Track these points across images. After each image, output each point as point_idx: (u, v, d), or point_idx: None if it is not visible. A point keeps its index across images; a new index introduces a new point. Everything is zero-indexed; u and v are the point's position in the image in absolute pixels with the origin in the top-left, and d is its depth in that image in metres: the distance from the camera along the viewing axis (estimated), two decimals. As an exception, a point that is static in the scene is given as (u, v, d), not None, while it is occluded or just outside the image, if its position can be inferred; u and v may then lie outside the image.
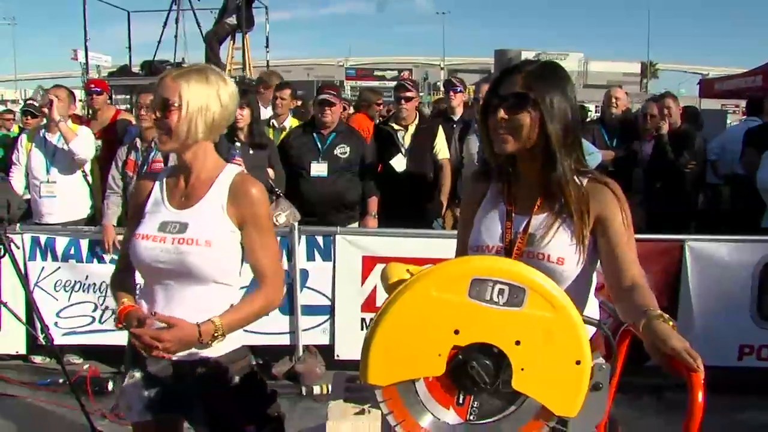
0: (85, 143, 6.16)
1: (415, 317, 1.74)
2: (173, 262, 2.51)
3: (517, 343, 1.78)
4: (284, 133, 6.90)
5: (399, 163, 6.69)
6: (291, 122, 7.32)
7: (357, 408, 1.83)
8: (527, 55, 63.07)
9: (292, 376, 5.80)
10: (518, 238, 2.40)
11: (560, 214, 2.38)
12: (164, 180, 2.68)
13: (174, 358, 2.50)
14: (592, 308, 2.56)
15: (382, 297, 5.77)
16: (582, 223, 2.35)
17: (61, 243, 5.88)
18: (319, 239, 5.85)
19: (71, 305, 5.89)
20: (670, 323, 1.95)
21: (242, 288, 2.66)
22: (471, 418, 1.86)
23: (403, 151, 6.72)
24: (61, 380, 5.33)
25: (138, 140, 5.79)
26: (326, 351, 5.92)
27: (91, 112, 7.41)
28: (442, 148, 6.84)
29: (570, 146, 2.37)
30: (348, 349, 5.77)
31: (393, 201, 6.58)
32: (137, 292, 2.75)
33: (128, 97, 10.37)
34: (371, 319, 1.81)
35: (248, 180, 2.63)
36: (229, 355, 2.61)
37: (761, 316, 5.84)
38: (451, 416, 1.85)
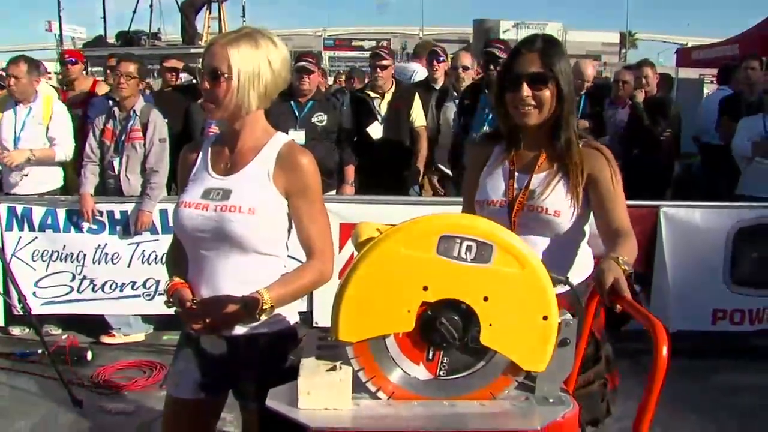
0: (67, 145, 6.11)
1: (384, 274, 1.77)
2: (215, 230, 2.40)
3: (485, 299, 1.81)
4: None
5: (375, 130, 6.70)
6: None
7: (328, 365, 1.85)
8: (506, 25, 62.84)
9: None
10: (520, 193, 2.73)
11: (558, 172, 2.72)
12: (209, 148, 2.57)
13: (228, 334, 2.42)
14: (585, 256, 2.86)
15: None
16: (577, 181, 2.68)
17: (38, 213, 5.83)
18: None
19: (49, 275, 5.85)
20: (623, 267, 2.21)
21: (290, 259, 2.56)
22: (441, 373, 1.90)
23: (379, 118, 6.72)
24: (39, 351, 5.31)
25: (116, 109, 5.74)
26: (304, 318, 5.94)
27: (67, 82, 7.32)
28: (418, 116, 6.85)
29: (573, 114, 2.74)
30: (326, 316, 5.61)
31: (370, 169, 6.60)
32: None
33: (103, 68, 10.27)
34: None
35: (298, 149, 2.52)
36: (283, 332, 2.50)
37: (734, 281, 5.92)
38: (421, 371, 1.89)
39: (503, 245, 1.79)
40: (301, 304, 5.93)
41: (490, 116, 6.02)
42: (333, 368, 1.84)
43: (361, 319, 1.79)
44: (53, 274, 5.86)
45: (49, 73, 10.81)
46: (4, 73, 7.31)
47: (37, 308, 5.50)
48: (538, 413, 1.87)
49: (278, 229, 2.47)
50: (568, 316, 1.94)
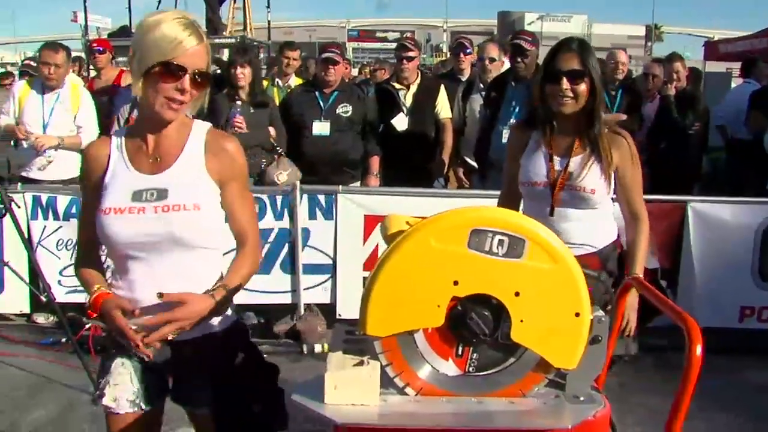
0: (93, 133, 6.12)
1: (414, 268, 1.73)
2: (160, 234, 2.24)
3: (517, 294, 1.77)
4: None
5: (401, 122, 6.66)
6: (295, 82, 7.28)
7: (356, 359, 1.82)
8: (530, 17, 62.59)
9: (294, 334, 5.82)
10: (560, 175, 3.22)
11: (591, 156, 3.22)
12: (122, 144, 2.34)
13: (171, 339, 2.24)
14: (610, 223, 3.38)
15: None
16: (608, 163, 3.20)
17: (63, 202, 5.84)
18: (321, 198, 5.82)
19: (73, 264, 5.86)
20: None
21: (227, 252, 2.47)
22: (470, 369, 1.86)
23: (404, 110, 6.69)
24: (63, 339, 5.35)
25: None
26: (327, 310, 5.92)
27: (94, 71, 7.35)
28: (443, 108, 6.80)
29: (602, 105, 3.24)
30: (349, 308, 5.77)
31: (394, 160, 6.56)
32: (108, 275, 2.43)
33: (128, 59, 10.27)
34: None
35: (223, 135, 2.45)
36: (229, 330, 2.42)
37: (762, 277, 5.85)
38: (449, 367, 1.86)
39: (536, 240, 1.75)
40: (323, 296, 5.94)
41: (517, 108, 5.98)
42: (360, 363, 1.80)
43: (390, 314, 1.75)
44: (78, 263, 5.88)
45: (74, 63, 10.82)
46: (32, 63, 7.34)
47: (61, 297, 5.51)
48: (569, 412, 1.83)
49: (218, 220, 2.39)
50: (600, 312, 1.89)
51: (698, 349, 1.79)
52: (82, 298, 5.78)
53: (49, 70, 5.95)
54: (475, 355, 1.85)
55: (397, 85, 6.76)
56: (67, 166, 6.10)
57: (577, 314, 1.81)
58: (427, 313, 1.76)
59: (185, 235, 2.26)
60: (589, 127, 3.21)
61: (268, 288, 5.73)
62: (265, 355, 4.94)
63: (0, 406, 4.64)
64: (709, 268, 5.80)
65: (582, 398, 1.90)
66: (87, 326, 5.55)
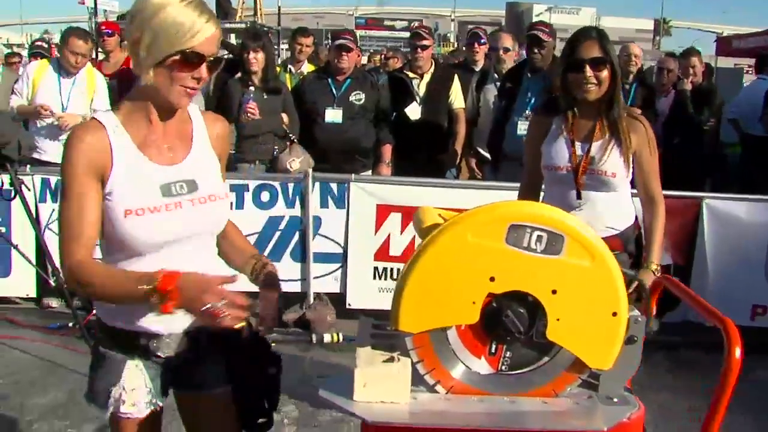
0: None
1: (450, 263, 1.68)
2: (199, 228, 2.14)
3: (554, 292, 1.72)
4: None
5: (414, 111, 6.59)
6: (308, 68, 7.21)
7: (385, 355, 1.77)
8: (539, 9, 62.31)
9: (303, 323, 5.77)
10: (582, 159, 3.35)
11: (611, 140, 3.34)
12: (123, 134, 2.08)
13: (188, 329, 2.16)
14: (628, 205, 3.52)
15: (395, 246, 5.73)
16: (627, 147, 3.33)
17: (71, 185, 5.80)
18: (333, 186, 5.76)
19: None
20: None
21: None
22: (503, 368, 1.81)
23: (417, 99, 6.62)
24: (71, 324, 5.30)
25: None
26: (337, 299, 5.88)
27: (102, 54, 7.28)
28: (457, 98, 6.73)
29: (621, 91, 3.39)
30: (359, 297, 5.73)
31: (407, 149, 6.50)
32: None
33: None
34: (385, 268, 1.76)
35: (215, 116, 2.35)
36: None
37: (776, 277, 5.79)
38: (482, 366, 1.81)
39: (575, 236, 1.70)
40: (333, 285, 5.89)
41: (533, 100, 5.90)
42: (390, 359, 1.75)
43: (423, 309, 1.70)
44: (86, 246, 5.83)
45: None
46: (43, 44, 7.29)
47: (68, 281, 5.47)
48: (604, 413, 1.78)
49: None
50: (637, 312, 1.84)
51: (737, 352, 1.75)
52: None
53: (77, 59, 5.99)
54: (508, 353, 1.80)
55: (411, 74, 6.68)
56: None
57: (615, 314, 1.76)
58: (462, 310, 1.71)
59: (220, 225, 2.22)
60: (609, 111, 3.34)
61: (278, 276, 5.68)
62: (273, 344, 4.91)
63: (7, 390, 4.59)
64: (722, 266, 5.74)
65: (615, 399, 1.85)
66: (95, 311, 5.52)
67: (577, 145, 3.37)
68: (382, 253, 5.74)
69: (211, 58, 2.06)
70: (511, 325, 1.72)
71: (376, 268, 5.80)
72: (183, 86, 2.05)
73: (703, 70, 7.15)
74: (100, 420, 4.22)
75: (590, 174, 3.34)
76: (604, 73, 3.27)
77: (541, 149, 3.49)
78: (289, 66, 7.26)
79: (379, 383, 1.71)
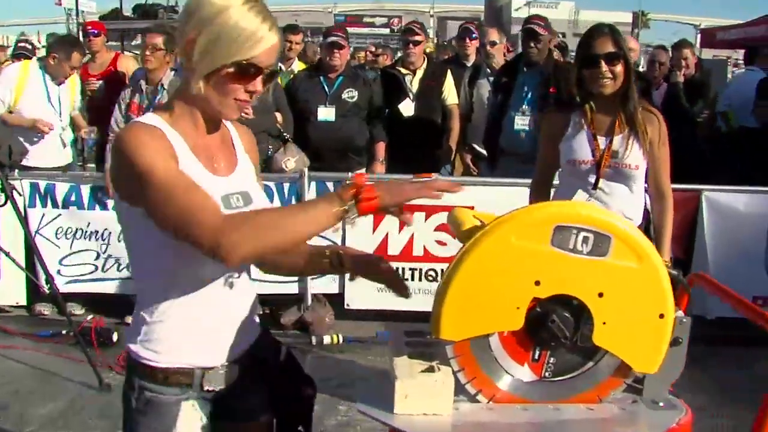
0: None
1: (494, 267, 1.60)
2: None
3: (600, 295, 1.65)
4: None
5: (407, 108, 6.52)
6: (298, 66, 7.12)
7: (424, 365, 1.69)
8: (517, 3, 62.29)
9: (301, 325, 5.68)
10: (605, 153, 3.46)
11: (630, 134, 3.46)
12: (180, 139, 1.88)
13: (227, 365, 1.98)
14: (642, 196, 3.64)
15: (393, 245, 5.65)
16: (644, 140, 3.45)
17: (62, 189, 5.65)
18: (330, 185, 5.66)
19: (73, 253, 5.70)
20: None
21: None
22: (546, 374, 1.74)
23: (410, 95, 6.54)
24: (64, 331, 5.19)
25: (143, 82, 5.57)
26: (336, 300, 5.79)
27: (88, 54, 7.13)
28: (450, 93, 6.67)
29: (635, 83, 3.51)
30: (358, 298, 5.64)
31: (401, 147, 6.42)
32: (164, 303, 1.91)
33: (119, 43, 10.09)
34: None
35: (244, 126, 2.19)
36: (268, 334, 2.21)
37: (776, 268, 5.78)
38: (525, 373, 1.73)
39: (621, 237, 1.63)
40: (331, 285, 5.80)
41: (530, 94, 5.85)
42: (430, 369, 1.67)
43: (465, 316, 1.62)
44: (77, 252, 5.72)
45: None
46: (27, 45, 7.16)
47: (61, 287, 5.32)
48: (652, 419, 1.72)
49: None
50: (681, 313, 1.77)
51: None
52: (81, 288, 5.70)
53: (72, 71, 6.01)
54: (552, 359, 1.72)
55: (403, 70, 6.61)
56: (64, 152, 5.97)
57: (662, 316, 1.69)
58: (506, 316, 1.63)
59: None
60: (626, 104, 3.44)
61: (274, 277, 5.50)
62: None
63: (6, 399, 4.47)
64: (722, 258, 5.71)
65: (661, 404, 1.78)
66: (89, 318, 5.41)
67: (600, 139, 3.48)
68: (381, 252, 5.65)
69: (268, 71, 1.87)
70: (558, 330, 1.64)
71: (311, 246, 5.70)
72: (236, 99, 1.86)
73: (696, 62, 7.10)
74: (100, 431, 4.14)
75: (614, 167, 3.45)
76: (619, 68, 3.37)
77: (559, 147, 3.60)
78: (279, 64, 7.16)
79: (421, 395, 1.63)
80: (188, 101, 1.88)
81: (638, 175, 3.51)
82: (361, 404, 1.69)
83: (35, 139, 5.94)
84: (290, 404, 2.16)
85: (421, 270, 5.77)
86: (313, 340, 5.51)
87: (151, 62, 5.51)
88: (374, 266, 2.08)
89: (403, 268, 5.78)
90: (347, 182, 1.81)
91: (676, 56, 6.89)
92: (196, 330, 1.92)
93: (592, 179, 3.52)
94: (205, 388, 1.94)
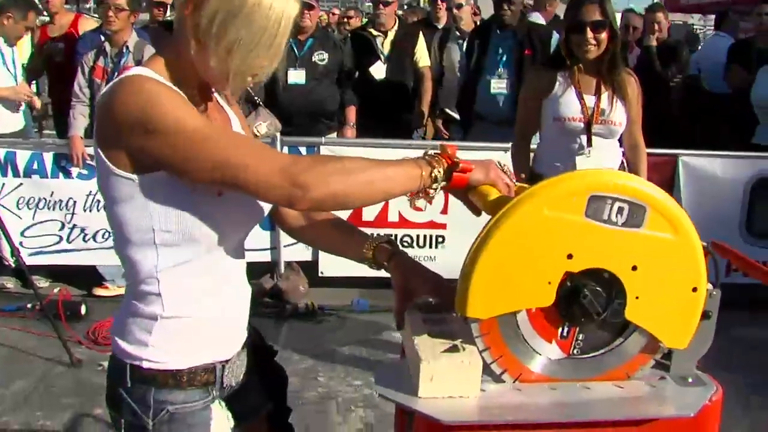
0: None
1: (525, 240, 1.49)
2: (261, 216, 1.82)
3: (634, 268, 1.55)
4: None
5: (378, 70, 6.38)
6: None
7: (446, 343, 1.58)
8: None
9: (275, 294, 5.55)
10: (594, 111, 3.74)
11: (614, 93, 3.75)
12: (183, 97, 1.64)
13: (239, 354, 1.82)
14: (618, 147, 3.98)
15: (367, 210, 5.52)
16: (626, 98, 3.78)
17: (23, 157, 5.41)
18: (302, 150, 5.52)
19: (36, 224, 5.48)
20: None
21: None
22: (575, 352, 1.64)
23: (382, 58, 6.41)
24: (29, 305, 4.99)
25: (107, 44, 5.33)
26: (309, 267, 5.67)
27: (47, 16, 6.83)
28: (422, 56, 6.56)
29: (620, 49, 3.82)
30: (332, 265, 5.51)
31: (371, 110, 6.29)
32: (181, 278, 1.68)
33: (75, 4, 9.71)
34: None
35: (235, 105, 1.98)
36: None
37: (750, 232, 5.81)
38: (553, 350, 1.63)
39: (657, 207, 1.53)
40: (305, 253, 5.66)
41: (504, 57, 5.76)
42: (453, 348, 1.57)
43: (495, 293, 1.51)
44: (41, 222, 5.51)
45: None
46: None
47: (24, 259, 5.11)
48: (684, 396, 1.63)
49: None
50: (710, 285, 1.69)
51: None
52: (46, 260, 5.50)
53: (26, 30, 5.73)
54: (581, 335, 1.63)
55: (374, 32, 6.47)
56: (17, 117, 5.73)
57: (695, 289, 1.60)
58: (537, 291, 1.53)
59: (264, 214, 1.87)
60: (612, 68, 3.73)
61: (246, 245, 5.42)
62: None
63: (-27, 378, 4.30)
64: (699, 222, 5.53)
65: (690, 380, 1.70)
66: (55, 291, 5.21)
67: (586, 97, 3.74)
68: (355, 218, 5.53)
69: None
70: (590, 305, 1.54)
71: (351, 224, 5.59)
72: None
73: (669, 26, 7.04)
74: (73, 408, 3.99)
75: (603, 124, 3.75)
76: (603, 35, 3.63)
77: (542, 103, 3.86)
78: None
79: (448, 377, 1.52)
80: (182, 66, 1.63)
81: (620, 131, 3.84)
82: (380, 387, 1.57)
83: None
84: (273, 386, 2.03)
85: (396, 236, 5.66)
86: (288, 308, 5.39)
87: (115, 23, 5.28)
88: (432, 283, 1.79)
89: (378, 234, 5.66)
90: (429, 152, 1.65)
91: (649, 20, 6.82)
92: (220, 316, 1.74)
93: (581, 137, 3.79)
94: (225, 383, 1.78)
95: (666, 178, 5.66)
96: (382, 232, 5.62)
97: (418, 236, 5.64)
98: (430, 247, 5.65)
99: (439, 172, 1.61)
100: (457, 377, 1.53)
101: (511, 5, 5.79)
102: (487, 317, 1.54)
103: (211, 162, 1.51)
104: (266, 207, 1.79)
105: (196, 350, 1.71)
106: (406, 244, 5.64)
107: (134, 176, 1.57)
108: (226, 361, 1.77)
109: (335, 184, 1.53)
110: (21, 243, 5.41)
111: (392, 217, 5.61)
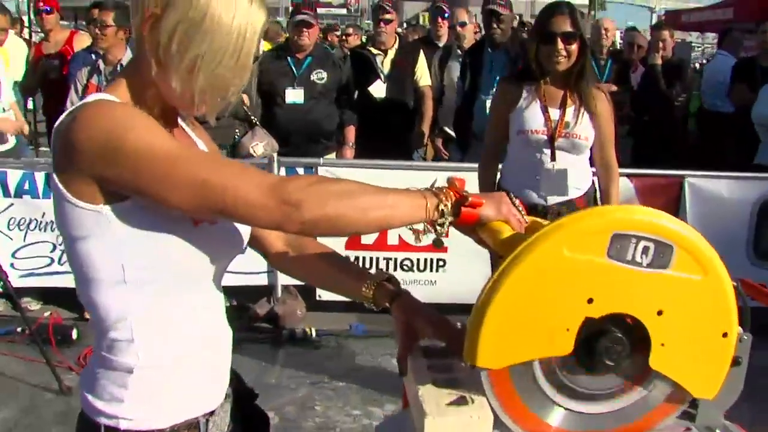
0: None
1: (542, 283, 1.35)
2: (239, 248, 1.70)
3: (659, 313, 1.42)
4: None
5: (378, 89, 6.28)
6: (263, 45, 6.80)
7: (453, 394, 1.44)
8: (474, -17, 62.13)
9: (271, 318, 5.41)
10: (558, 124, 3.67)
11: (581, 107, 3.68)
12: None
13: (222, 405, 1.67)
14: (588, 167, 3.90)
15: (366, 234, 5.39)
16: (594, 113, 3.69)
17: (14, 177, 5.27)
18: (300, 171, 5.40)
19: (27, 245, 5.34)
20: None
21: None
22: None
23: (382, 76, 6.31)
24: (19, 329, 4.85)
25: (101, 62, 5.22)
26: (307, 291, 5.52)
27: (41, 33, 6.75)
28: (423, 75, 6.46)
29: (590, 62, 3.83)
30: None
31: (371, 130, 6.19)
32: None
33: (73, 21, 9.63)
34: (356, 257, 1.41)
35: (198, 124, 1.82)
36: None
37: (757, 255, 5.70)
38: (568, 401, 1.49)
39: (685, 245, 1.40)
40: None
41: (498, 76, 5.67)
42: (461, 400, 1.43)
43: (508, 341, 1.38)
44: (32, 244, 5.36)
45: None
46: None
47: (14, 281, 4.99)
48: (711, 452, 1.50)
49: None
50: (741, 329, 1.55)
51: None
52: (37, 282, 5.36)
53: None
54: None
55: (374, 50, 6.37)
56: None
57: (725, 334, 1.47)
58: (554, 339, 1.40)
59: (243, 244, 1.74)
60: (580, 79, 3.68)
61: (242, 268, 5.28)
62: (242, 343, 4.47)
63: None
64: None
65: (718, 431, 1.57)
66: (45, 315, 5.07)
67: (551, 110, 3.68)
68: (353, 242, 5.43)
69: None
70: (610, 355, 1.41)
71: (347, 258, 5.47)
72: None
73: (674, 45, 6.96)
74: (59, 439, 3.85)
75: (566, 137, 3.67)
76: (574, 47, 3.58)
77: (509, 116, 3.77)
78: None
79: (456, 433, 1.38)
80: (145, 89, 1.51)
81: (587, 146, 3.74)
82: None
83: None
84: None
85: (396, 260, 5.55)
86: (284, 333, 5.25)
87: (102, 40, 5.22)
88: (437, 324, 1.64)
89: (378, 258, 5.55)
90: (435, 185, 1.52)
91: (654, 38, 6.76)
92: (202, 363, 1.60)
93: (545, 150, 3.71)
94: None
95: (672, 199, 5.56)
96: (382, 255, 5.53)
97: (418, 260, 5.50)
98: (431, 270, 5.52)
99: (446, 206, 1.48)
100: (466, 434, 1.39)
101: (501, 24, 5.74)
102: (500, 367, 1.40)
103: (189, 185, 1.37)
104: (245, 234, 1.66)
105: (178, 404, 1.57)
106: (406, 267, 5.50)
107: (100, 207, 1.43)
108: (211, 414, 1.63)
109: (331, 206, 1.39)
110: (12, 264, 5.29)
111: (392, 240, 5.47)
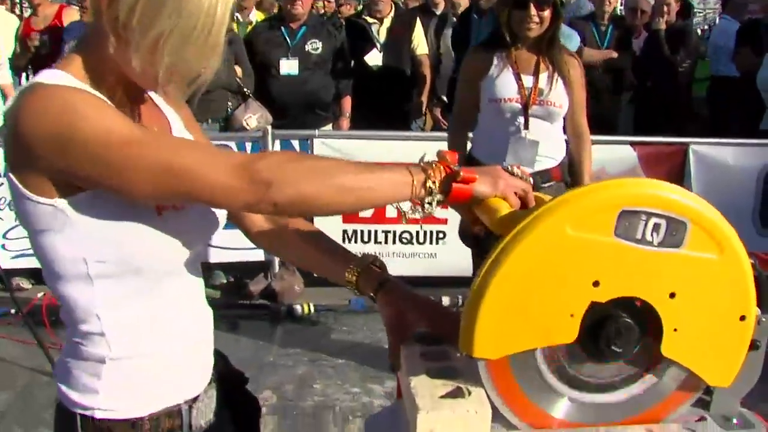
0: None
1: (543, 266, 1.24)
2: (213, 231, 1.58)
3: (672, 295, 1.30)
4: (250, 28, 6.26)
5: (374, 58, 6.15)
6: (256, 16, 6.66)
7: (447, 385, 1.33)
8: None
9: (269, 294, 5.31)
10: (531, 91, 3.60)
11: (554, 73, 3.64)
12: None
13: (206, 390, 1.59)
14: (562, 137, 3.84)
15: (365, 208, 5.29)
16: (567, 80, 3.64)
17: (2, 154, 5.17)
18: (295, 143, 5.30)
19: (18, 225, 5.19)
20: None
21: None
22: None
23: (378, 46, 6.17)
24: (12, 310, 4.75)
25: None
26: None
27: (30, 9, 6.60)
28: (420, 43, 6.32)
29: (560, 29, 3.72)
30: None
31: (368, 100, 6.07)
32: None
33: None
34: (354, 231, 1.30)
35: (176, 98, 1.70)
36: None
37: (763, 223, 5.60)
38: (573, 391, 1.38)
39: (700, 221, 1.29)
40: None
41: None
42: (457, 392, 1.32)
43: (507, 329, 1.26)
44: (24, 223, 5.25)
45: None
46: None
47: (7, 262, 4.90)
48: (728, 443, 1.39)
49: None
50: (759, 311, 1.44)
51: None
52: (28, 263, 5.24)
53: None
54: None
55: (370, 19, 6.23)
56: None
57: (743, 317, 1.35)
58: (557, 326, 1.28)
59: (221, 224, 1.62)
60: (551, 48, 3.65)
61: (238, 244, 5.16)
62: (239, 320, 4.36)
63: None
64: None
65: (735, 420, 1.45)
66: (39, 295, 4.97)
67: (524, 77, 3.62)
68: (351, 215, 5.31)
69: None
70: (619, 342, 1.30)
71: (345, 231, 5.40)
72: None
73: (678, 9, 6.79)
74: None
75: (540, 105, 3.61)
76: (546, 13, 3.51)
77: (479, 84, 3.68)
78: (236, 14, 6.69)
79: (450, 429, 1.28)
80: (104, 65, 1.39)
81: (561, 113, 3.68)
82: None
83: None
84: (246, 420, 1.79)
85: (395, 232, 5.45)
86: (282, 310, 5.15)
87: (87, 14, 5.06)
88: (430, 318, 1.54)
89: (376, 231, 5.45)
90: (423, 159, 1.40)
91: (659, 2, 6.56)
92: (179, 348, 1.51)
93: (518, 119, 3.63)
94: (194, 426, 1.53)
95: (677, 167, 5.46)
96: (380, 228, 5.42)
97: (417, 232, 5.40)
98: (431, 243, 5.42)
99: (434, 182, 1.35)
100: (462, 430, 1.28)
101: None
102: (498, 357, 1.29)
103: (151, 171, 1.27)
104: (221, 215, 1.56)
105: (156, 392, 1.48)
106: (405, 240, 5.40)
107: (56, 201, 1.34)
108: (194, 400, 1.54)
109: (305, 185, 1.29)
110: (3, 246, 5.19)
111: (390, 212, 5.36)
